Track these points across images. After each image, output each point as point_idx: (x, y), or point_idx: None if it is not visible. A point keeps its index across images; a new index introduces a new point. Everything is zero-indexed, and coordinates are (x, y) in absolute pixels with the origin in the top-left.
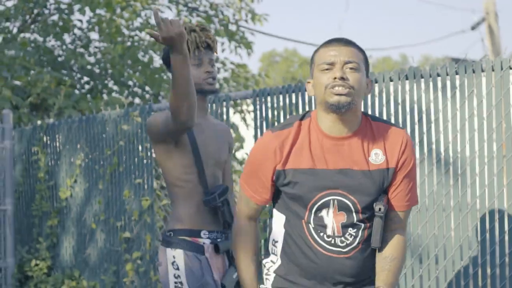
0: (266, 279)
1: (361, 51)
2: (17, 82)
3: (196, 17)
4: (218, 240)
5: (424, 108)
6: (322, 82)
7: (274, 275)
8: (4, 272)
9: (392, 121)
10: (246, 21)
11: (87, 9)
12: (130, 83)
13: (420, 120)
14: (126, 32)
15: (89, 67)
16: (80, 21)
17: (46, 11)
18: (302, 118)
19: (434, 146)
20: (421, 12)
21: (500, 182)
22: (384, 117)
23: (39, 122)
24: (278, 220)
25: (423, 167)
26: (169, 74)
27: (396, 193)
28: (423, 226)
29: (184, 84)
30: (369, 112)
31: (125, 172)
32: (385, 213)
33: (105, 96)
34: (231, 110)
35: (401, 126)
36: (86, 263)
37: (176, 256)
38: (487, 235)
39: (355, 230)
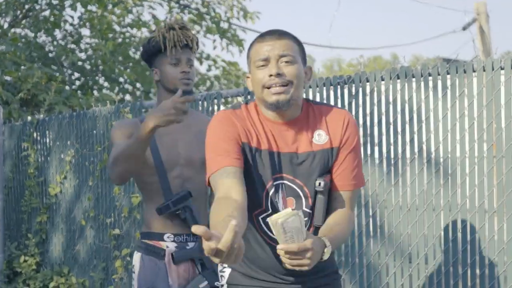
0: (221, 276)
1: (296, 41)
2: (8, 78)
3: (188, 14)
4: (188, 243)
5: (415, 108)
6: (259, 79)
7: (229, 270)
8: None
9: (383, 120)
10: (238, 18)
11: (78, 5)
12: (121, 79)
13: (411, 119)
14: (117, 28)
15: (80, 63)
16: (72, 17)
17: (37, 7)
18: (246, 103)
19: (424, 146)
20: (412, 12)
21: (490, 182)
22: (375, 117)
23: (29, 117)
24: None
25: (413, 167)
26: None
27: (340, 171)
28: (413, 225)
29: (126, 156)
30: (360, 112)
31: None
32: (329, 193)
33: (95, 93)
34: (222, 108)
35: (391, 124)
36: (75, 260)
37: (135, 259)
38: (477, 235)
39: (305, 216)
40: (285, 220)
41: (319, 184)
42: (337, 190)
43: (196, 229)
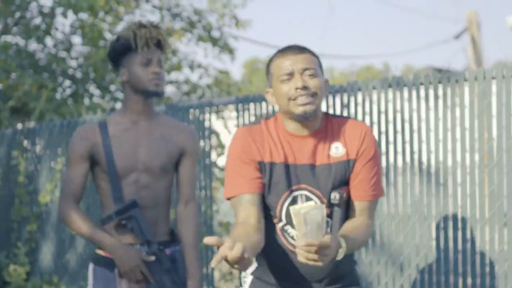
0: (244, 281)
1: (315, 55)
2: None
3: (180, 22)
4: (143, 253)
5: (407, 117)
6: (284, 93)
7: (251, 277)
8: None
9: (375, 130)
10: (229, 27)
11: (69, 13)
12: (112, 87)
13: (402, 129)
14: (108, 36)
15: (71, 71)
16: (63, 25)
17: (28, 14)
18: (266, 118)
19: (416, 156)
20: (404, 21)
21: (482, 192)
22: None
23: (19, 125)
24: None
25: (405, 176)
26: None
27: (356, 182)
28: (405, 235)
29: (73, 229)
30: None
31: None
32: (347, 203)
33: (86, 101)
34: (214, 116)
35: (383, 134)
36: (65, 269)
37: (89, 270)
38: (469, 244)
39: None
40: (308, 211)
41: (334, 197)
42: (355, 200)
43: (207, 239)
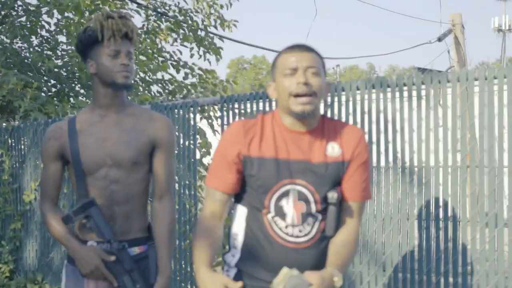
0: (227, 275)
1: (320, 57)
2: None
3: (165, 22)
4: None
5: (390, 118)
6: (285, 87)
7: (235, 269)
8: None
9: None
10: (215, 27)
11: (55, 12)
12: None
13: (385, 129)
14: None
15: (56, 70)
16: (48, 23)
17: (14, 13)
18: (265, 113)
19: (399, 155)
20: (389, 22)
21: (464, 192)
22: None
23: (4, 124)
24: (240, 213)
25: (387, 176)
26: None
27: (350, 183)
28: (387, 234)
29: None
30: None
31: None
32: (339, 203)
33: (72, 100)
34: (198, 116)
35: (366, 134)
36: (49, 267)
37: (64, 266)
38: (450, 244)
39: (313, 220)
40: (285, 284)
41: (332, 196)
42: (347, 200)
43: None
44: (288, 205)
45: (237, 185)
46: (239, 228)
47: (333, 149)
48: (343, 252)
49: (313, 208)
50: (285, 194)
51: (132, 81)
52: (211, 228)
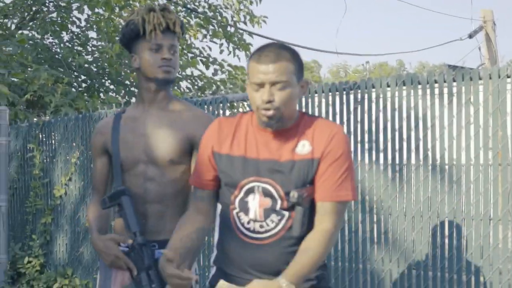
0: (210, 274)
1: (292, 58)
2: (14, 79)
3: (195, 18)
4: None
5: (420, 115)
6: (253, 99)
7: (214, 267)
8: None
9: (388, 127)
10: (244, 23)
11: (85, 7)
12: (127, 82)
13: (416, 126)
14: None
15: (86, 65)
16: (78, 19)
17: (45, 9)
18: (245, 112)
19: (430, 153)
20: (418, 19)
21: (495, 190)
22: (381, 123)
23: (35, 119)
24: (218, 211)
25: (418, 174)
26: None
27: (320, 183)
28: (417, 232)
29: None
30: (365, 118)
31: None
32: (312, 204)
33: (102, 95)
34: (228, 112)
35: (396, 131)
36: (79, 262)
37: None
38: (481, 242)
39: (278, 217)
40: None
41: (293, 195)
42: (317, 201)
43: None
44: (253, 201)
45: (215, 182)
46: (217, 225)
47: (303, 147)
48: (300, 260)
49: (278, 205)
50: (251, 190)
51: (174, 76)
52: (185, 222)
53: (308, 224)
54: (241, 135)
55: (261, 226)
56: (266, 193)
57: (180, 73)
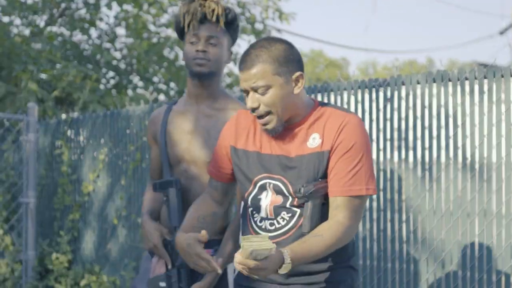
0: (235, 270)
1: (270, 60)
2: (43, 76)
3: None
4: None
5: (451, 112)
6: (247, 105)
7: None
8: (25, 265)
9: (418, 125)
10: (273, 19)
11: (114, 4)
12: (155, 79)
13: (446, 124)
14: (152, 28)
15: (114, 62)
16: (107, 16)
17: (73, 6)
18: None
19: (460, 151)
20: (448, 16)
21: None
22: (410, 121)
23: (63, 116)
24: (241, 208)
25: (448, 172)
26: None
27: (331, 176)
28: (447, 231)
29: None
30: (395, 115)
31: (147, 168)
32: (325, 199)
33: (130, 92)
34: None
35: (426, 129)
36: (106, 258)
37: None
38: None
39: (289, 215)
40: (257, 252)
41: (299, 190)
42: (330, 196)
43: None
44: (265, 198)
45: (230, 176)
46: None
47: (314, 140)
48: (308, 241)
49: (289, 202)
50: (264, 187)
51: (212, 69)
52: (201, 204)
53: (321, 221)
54: (257, 130)
55: (271, 224)
56: (278, 191)
57: None
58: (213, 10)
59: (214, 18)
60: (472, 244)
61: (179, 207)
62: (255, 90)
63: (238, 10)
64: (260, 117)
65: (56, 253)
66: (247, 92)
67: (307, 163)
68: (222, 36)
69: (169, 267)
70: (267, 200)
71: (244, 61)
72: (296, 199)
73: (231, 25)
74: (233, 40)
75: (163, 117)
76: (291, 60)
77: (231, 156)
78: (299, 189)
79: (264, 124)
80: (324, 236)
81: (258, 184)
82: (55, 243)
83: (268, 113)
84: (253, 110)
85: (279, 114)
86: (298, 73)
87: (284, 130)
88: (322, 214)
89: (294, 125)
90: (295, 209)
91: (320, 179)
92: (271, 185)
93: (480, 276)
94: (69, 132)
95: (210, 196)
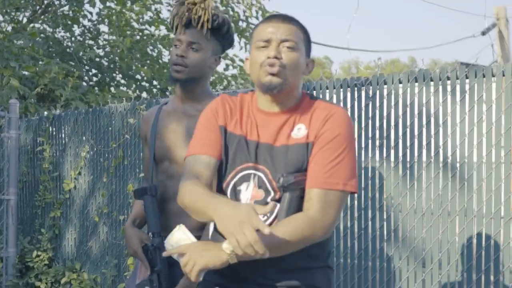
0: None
1: (303, 29)
2: (25, 72)
3: None
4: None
5: (432, 112)
6: (257, 60)
7: None
8: (6, 262)
9: (400, 123)
10: (256, 18)
11: (97, 1)
12: (138, 77)
13: (428, 123)
14: (135, 25)
15: (97, 59)
16: (90, 13)
17: (56, 2)
18: (246, 92)
19: (441, 150)
20: (430, 15)
21: (507, 188)
22: (392, 120)
23: (45, 113)
24: None
25: (429, 171)
26: None
27: (310, 168)
28: (427, 230)
29: None
30: (377, 114)
31: (129, 165)
32: (302, 192)
33: (112, 89)
34: None
35: (408, 128)
36: (87, 256)
37: None
38: (492, 241)
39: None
40: (169, 238)
41: (278, 179)
42: (308, 187)
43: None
44: (246, 191)
45: (221, 154)
46: None
47: (299, 131)
48: (278, 226)
49: (271, 197)
50: (247, 178)
51: (188, 76)
52: (200, 185)
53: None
54: (244, 114)
55: None
56: (260, 185)
57: None
58: (199, 17)
59: (199, 26)
60: (453, 243)
61: (155, 213)
62: (282, 42)
63: (221, 8)
64: (275, 66)
65: (37, 250)
66: (268, 42)
67: (291, 154)
68: (206, 42)
69: (148, 272)
70: (248, 193)
71: (279, 16)
72: (278, 193)
73: (218, 31)
74: (223, 46)
75: (155, 117)
76: (310, 46)
77: (222, 136)
78: (278, 178)
79: (274, 75)
80: (287, 227)
81: (241, 174)
82: (36, 240)
83: (285, 67)
84: (276, 58)
85: (290, 76)
86: (311, 59)
87: (270, 117)
88: (300, 208)
89: (281, 112)
90: (276, 203)
91: (304, 172)
92: (256, 177)
93: (460, 275)
94: (51, 129)
95: (199, 182)
